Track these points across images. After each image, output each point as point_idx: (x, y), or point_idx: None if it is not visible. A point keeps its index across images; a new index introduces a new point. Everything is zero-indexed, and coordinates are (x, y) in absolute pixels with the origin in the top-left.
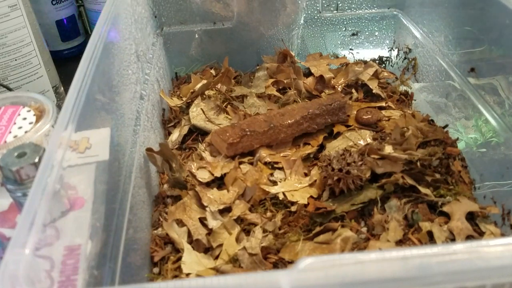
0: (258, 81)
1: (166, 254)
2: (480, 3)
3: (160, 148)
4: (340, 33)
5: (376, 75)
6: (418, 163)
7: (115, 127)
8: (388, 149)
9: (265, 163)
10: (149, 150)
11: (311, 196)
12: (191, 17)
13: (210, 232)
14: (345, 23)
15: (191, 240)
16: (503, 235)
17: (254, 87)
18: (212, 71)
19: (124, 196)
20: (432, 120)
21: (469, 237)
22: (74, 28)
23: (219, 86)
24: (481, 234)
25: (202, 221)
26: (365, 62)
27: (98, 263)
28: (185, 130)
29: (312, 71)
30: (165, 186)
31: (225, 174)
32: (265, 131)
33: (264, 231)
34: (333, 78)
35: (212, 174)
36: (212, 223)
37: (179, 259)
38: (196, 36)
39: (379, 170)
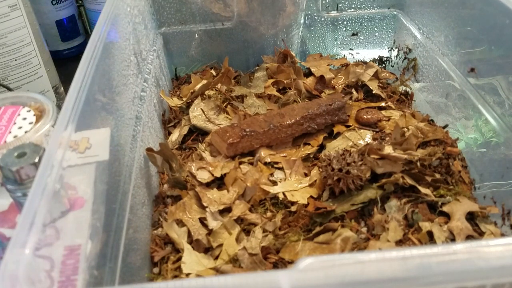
0: (258, 81)
1: (166, 254)
2: (480, 3)
3: (160, 148)
4: (340, 33)
5: (376, 76)
6: (418, 163)
7: (115, 127)
8: (388, 149)
9: (265, 163)
10: (149, 150)
11: (311, 196)
12: (191, 17)
13: (210, 232)
14: (345, 23)
15: (191, 240)
16: (503, 235)
17: (253, 87)
18: (212, 71)
19: (124, 196)
20: (432, 120)
21: (469, 237)
22: (74, 28)
23: (219, 86)
24: (481, 234)
25: (202, 221)
26: (365, 63)
27: (98, 263)
28: (185, 130)
29: (313, 71)
30: (165, 186)
31: (225, 174)
32: (265, 131)
33: (264, 231)
34: (333, 78)
35: (212, 174)
36: (212, 223)
37: (179, 259)
38: (196, 36)
39: (379, 170)
